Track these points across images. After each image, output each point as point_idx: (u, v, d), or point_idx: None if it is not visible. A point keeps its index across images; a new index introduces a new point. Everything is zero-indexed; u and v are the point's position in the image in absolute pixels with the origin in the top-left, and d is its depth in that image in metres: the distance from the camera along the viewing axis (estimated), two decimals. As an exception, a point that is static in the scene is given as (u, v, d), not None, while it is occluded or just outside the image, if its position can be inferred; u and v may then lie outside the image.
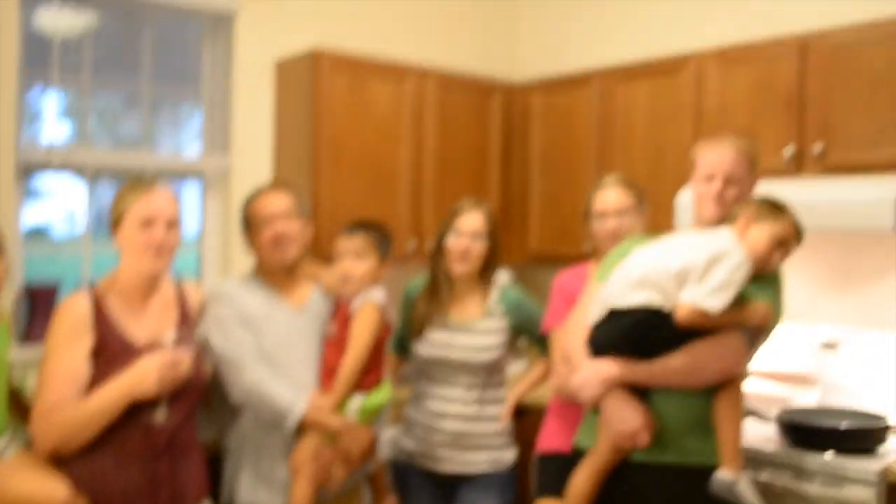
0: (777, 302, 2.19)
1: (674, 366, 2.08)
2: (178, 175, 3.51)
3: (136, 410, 2.12)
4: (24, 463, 2.11)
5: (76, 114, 3.22)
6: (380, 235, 2.51)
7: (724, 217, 2.24)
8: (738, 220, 2.16)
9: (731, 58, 3.20)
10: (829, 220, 2.73)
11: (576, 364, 2.23)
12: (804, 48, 2.99)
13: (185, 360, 2.12)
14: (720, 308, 2.02)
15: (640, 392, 2.13)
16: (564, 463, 2.63)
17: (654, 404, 2.12)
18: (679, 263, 2.09)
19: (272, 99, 3.59)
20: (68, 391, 2.09)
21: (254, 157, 3.55)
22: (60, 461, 2.13)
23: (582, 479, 2.16)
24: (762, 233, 2.12)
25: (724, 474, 2.06)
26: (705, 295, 2.03)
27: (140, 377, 2.07)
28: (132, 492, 2.14)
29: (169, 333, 2.13)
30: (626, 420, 2.09)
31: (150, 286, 2.27)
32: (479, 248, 2.68)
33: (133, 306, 2.24)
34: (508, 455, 2.74)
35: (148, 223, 2.19)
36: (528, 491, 2.77)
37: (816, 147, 2.93)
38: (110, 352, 2.15)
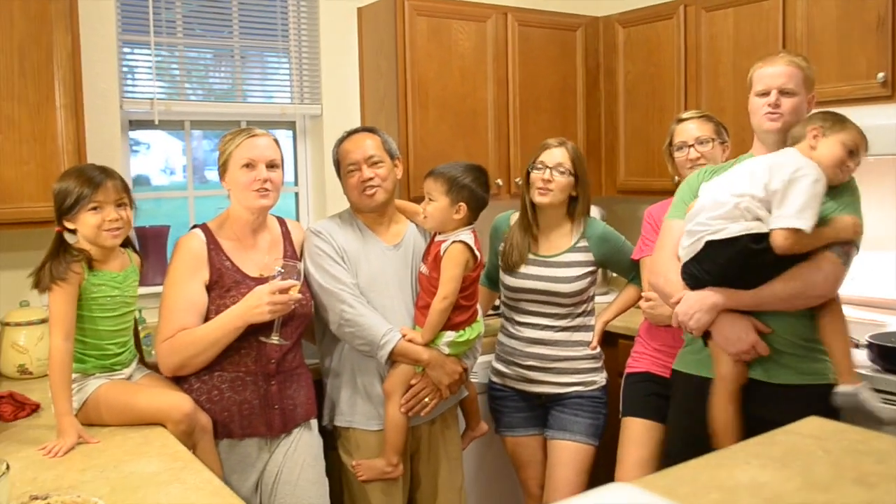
0: (858, 213, 2.22)
1: (779, 291, 2.15)
2: (270, 124, 3.67)
3: (250, 335, 2.31)
4: (153, 382, 2.35)
5: (170, 69, 3.39)
6: (451, 177, 2.52)
7: (785, 129, 2.27)
8: (806, 135, 2.18)
9: (819, -20, 3.14)
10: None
11: (672, 295, 2.30)
12: (895, -32, 2.90)
13: (294, 288, 2.28)
14: (812, 225, 2.06)
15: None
16: (651, 384, 2.75)
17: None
18: (760, 188, 2.13)
19: (357, 46, 3.70)
20: (189, 319, 2.30)
21: (342, 103, 3.68)
22: (179, 382, 2.36)
23: (721, 408, 2.23)
24: (834, 143, 2.15)
25: (845, 387, 2.14)
26: (793, 216, 2.07)
27: (254, 303, 2.25)
28: (246, 409, 2.35)
29: (279, 264, 2.29)
30: (741, 337, 2.18)
31: (257, 223, 2.44)
32: (561, 181, 2.74)
33: (243, 242, 2.42)
34: (598, 378, 2.85)
35: (251, 165, 2.35)
36: (618, 412, 2.87)
37: (909, 71, 2.87)
38: (224, 283, 2.34)
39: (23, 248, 2.89)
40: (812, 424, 1.79)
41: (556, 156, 2.75)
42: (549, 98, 3.86)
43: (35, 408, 2.39)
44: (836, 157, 2.15)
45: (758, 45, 3.33)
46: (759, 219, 2.13)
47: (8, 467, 1.58)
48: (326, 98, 3.65)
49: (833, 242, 2.15)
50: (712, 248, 2.19)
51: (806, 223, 2.06)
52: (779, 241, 2.10)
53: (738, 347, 2.19)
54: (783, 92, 2.28)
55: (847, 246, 2.17)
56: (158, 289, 2.45)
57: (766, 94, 2.30)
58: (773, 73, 2.30)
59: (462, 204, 2.51)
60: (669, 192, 3.02)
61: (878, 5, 2.94)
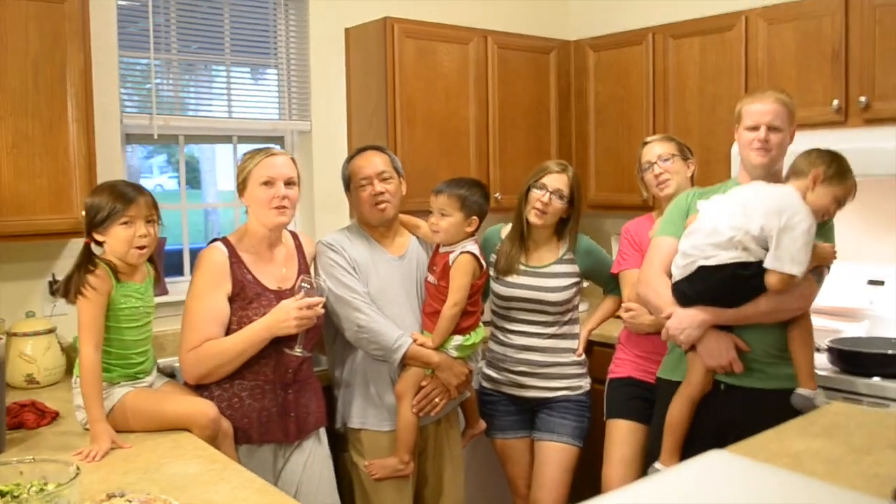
0: (831, 239, 2.51)
1: (761, 309, 2.40)
2: (260, 139, 3.78)
3: (270, 345, 2.43)
4: (174, 390, 2.46)
5: (167, 85, 3.49)
6: (464, 193, 2.73)
7: (771, 162, 2.50)
8: (808, 175, 2.39)
9: (778, 15, 3.40)
10: (873, 167, 2.96)
11: (662, 308, 2.52)
12: (847, 5, 3.17)
13: (320, 302, 2.42)
14: (804, 270, 2.31)
15: (725, 328, 2.46)
16: (633, 388, 2.96)
17: (739, 336, 2.45)
18: (757, 227, 2.33)
19: (345, 64, 3.84)
20: (214, 330, 2.41)
21: (331, 119, 3.82)
22: (200, 390, 2.46)
23: (678, 407, 2.49)
24: (828, 194, 2.39)
25: (803, 391, 2.41)
26: (789, 263, 2.29)
27: (282, 317, 2.38)
28: (265, 416, 2.47)
29: (305, 279, 2.42)
30: (722, 353, 2.43)
31: (274, 237, 2.56)
32: (558, 206, 2.91)
33: (261, 256, 2.54)
34: (583, 383, 3.03)
35: (269, 182, 2.48)
36: (600, 414, 3.07)
37: (861, 99, 3.15)
38: (246, 296, 2.46)
39: (28, 258, 2.96)
40: (838, 407, 2.24)
41: (558, 181, 2.90)
42: (525, 117, 4.07)
43: (55, 415, 2.47)
44: (825, 207, 2.40)
45: (722, 71, 3.59)
46: (748, 250, 2.36)
47: (78, 469, 1.69)
48: (315, 114, 3.78)
49: (815, 267, 2.42)
50: (704, 272, 2.42)
51: (799, 269, 2.30)
52: (773, 282, 2.33)
53: (718, 361, 2.44)
54: (771, 128, 2.49)
55: (823, 268, 2.46)
56: (160, 299, 2.56)
57: (755, 128, 2.51)
58: (762, 109, 2.51)
59: (475, 217, 2.72)
60: (638, 207, 3.28)
61: (832, 38, 3.23)
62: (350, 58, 3.84)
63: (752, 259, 2.35)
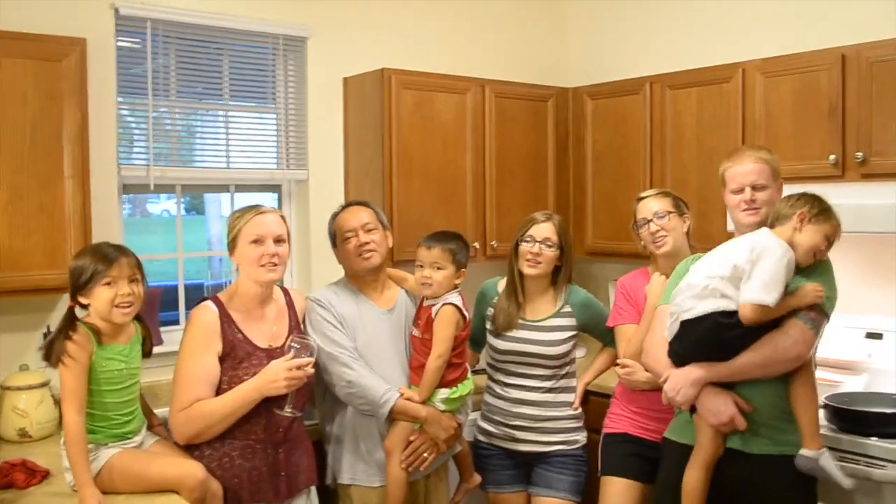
0: (829, 285, 2.42)
1: (752, 360, 2.35)
2: (257, 188, 3.81)
3: (260, 405, 2.43)
4: (164, 450, 2.45)
5: (165, 135, 3.51)
6: (455, 247, 2.77)
7: (763, 220, 2.49)
8: (792, 218, 2.38)
9: (775, 68, 3.41)
10: (870, 222, 2.96)
11: (662, 374, 2.50)
12: (844, 61, 3.18)
13: (309, 363, 2.42)
14: (776, 299, 2.27)
15: (727, 386, 2.41)
16: (629, 444, 2.94)
17: (741, 396, 2.40)
18: (729, 268, 2.34)
19: (342, 113, 3.87)
20: (204, 390, 2.41)
21: (328, 168, 3.84)
22: (190, 449, 2.45)
23: (694, 474, 2.42)
24: (816, 232, 2.37)
25: (807, 452, 2.34)
26: (759, 291, 2.27)
27: (272, 378, 2.38)
28: (256, 476, 2.46)
29: (295, 339, 2.43)
30: (721, 410, 2.37)
31: (265, 295, 2.57)
32: (549, 254, 2.93)
33: (252, 314, 2.54)
34: (580, 437, 3.01)
35: (259, 241, 2.49)
36: (596, 467, 3.03)
37: (857, 155, 3.14)
38: (237, 355, 2.46)
39: (23, 311, 2.97)
40: None
41: (544, 230, 2.94)
42: (523, 164, 4.07)
43: (45, 474, 2.45)
44: (815, 245, 2.37)
45: (720, 123, 3.59)
46: (726, 296, 2.34)
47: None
48: (312, 164, 3.80)
49: (798, 309, 2.35)
50: (687, 326, 2.41)
51: (770, 297, 2.27)
52: (746, 314, 2.30)
53: (719, 419, 2.38)
54: (756, 187, 2.50)
55: (815, 314, 2.36)
56: (156, 349, 2.55)
57: (740, 191, 2.52)
58: (743, 171, 2.52)
59: (464, 269, 2.75)
60: (636, 256, 3.26)
61: (829, 94, 3.23)
62: (348, 107, 3.86)
63: (733, 307, 2.33)
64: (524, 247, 2.94)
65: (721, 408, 2.38)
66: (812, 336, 2.36)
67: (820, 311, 2.38)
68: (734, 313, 2.33)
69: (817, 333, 2.38)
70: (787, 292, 2.33)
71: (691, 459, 2.44)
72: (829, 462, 2.35)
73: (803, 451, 2.35)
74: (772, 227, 2.43)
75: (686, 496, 2.42)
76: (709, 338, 2.38)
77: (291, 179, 3.83)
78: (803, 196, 2.44)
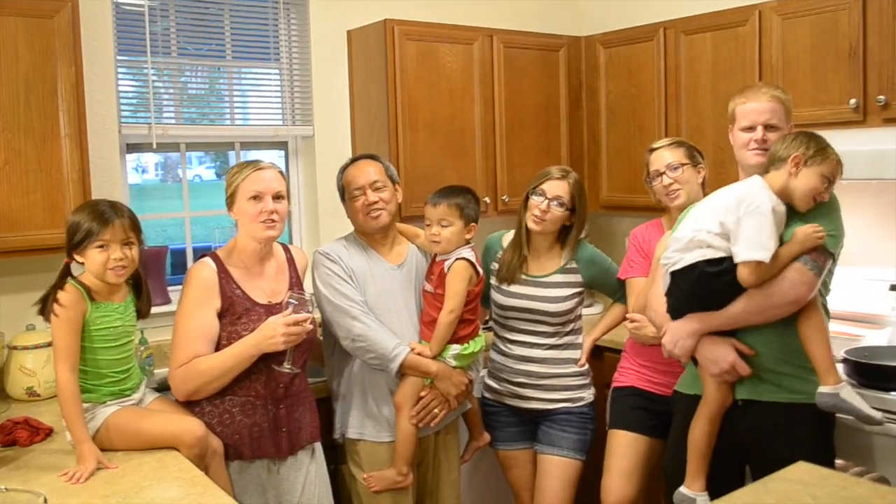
0: (831, 222, 2.28)
1: (746, 306, 2.25)
2: (262, 145, 3.75)
3: (260, 361, 2.40)
4: (163, 407, 2.44)
5: (166, 92, 3.46)
6: (462, 201, 2.70)
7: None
8: (787, 162, 2.26)
9: (793, 9, 3.27)
10: (894, 168, 2.85)
11: (661, 327, 2.44)
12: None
13: (307, 318, 2.38)
14: (768, 254, 2.16)
15: (730, 333, 2.31)
16: (636, 398, 2.89)
17: (744, 343, 2.31)
18: (716, 224, 2.24)
19: (347, 68, 3.79)
20: (202, 347, 2.39)
21: (333, 124, 3.77)
22: (191, 406, 2.45)
23: (699, 427, 2.36)
24: (813, 174, 2.25)
25: (825, 388, 2.22)
26: (748, 250, 2.17)
27: (270, 333, 2.35)
28: (256, 432, 2.45)
29: (291, 296, 2.39)
30: (720, 358, 2.29)
31: (264, 251, 2.53)
32: (556, 213, 2.84)
33: (251, 270, 2.51)
34: (586, 394, 2.96)
35: (258, 197, 2.45)
36: (605, 425, 3.00)
37: (879, 98, 3.01)
38: (235, 311, 2.43)
39: (28, 272, 2.96)
40: (800, 469, 1.96)
41: (557, 188, 2.83)
42: (534, 117, 3.98)
43: (48, 432, 2.46)
44: (813, 188, 2.25)
45: (735, 69, 3.47)
46: (712, 246, 2.25)
47: (46, 501, 1.68)
48: (318, 119, 3.74)
49: (801, 254, 2.23)
50: (677, 277, 2.33)
51: (760, 254, 2.16)
52: (743, 276, 2.21)
53: (719, 367, 2.30)
54: (768, 127, 2.39)
55: (819, 255, 2.24)
56: (158, 309, 2.53)
57: (751, 129, 2.41)
58: (757, 108, 2.41)
59: (473, 224, 2.70)
60: (652, 209, 3.17)
61: (849, 35, 3.09)
62: (352, 61, 3.78)
63: (720, 255, 2.24)
64: (534, 200, 2.86)
65: (720, 356, 2.30)
66: (812, 277, 2.22)
67: (822, 251, 2.25)
68: (721, 260, 2.24)
69: (819, 274, 2.25)
70: (785, 242, 2.22)
71: (697, 412, 2.38)
72: (851, 394, 2.23)
73: (822, 389, 2.23)
74: (766, 171, 2.33)
75: (691, 449, 2.37)
76: (698, 287, 2.30)
77: (297, 136, 3.78)
78: (799, 136, 2.31)
